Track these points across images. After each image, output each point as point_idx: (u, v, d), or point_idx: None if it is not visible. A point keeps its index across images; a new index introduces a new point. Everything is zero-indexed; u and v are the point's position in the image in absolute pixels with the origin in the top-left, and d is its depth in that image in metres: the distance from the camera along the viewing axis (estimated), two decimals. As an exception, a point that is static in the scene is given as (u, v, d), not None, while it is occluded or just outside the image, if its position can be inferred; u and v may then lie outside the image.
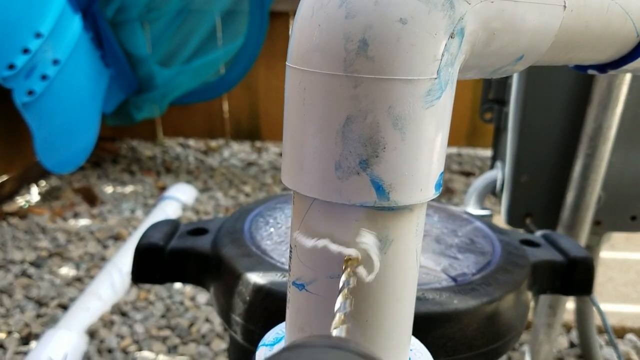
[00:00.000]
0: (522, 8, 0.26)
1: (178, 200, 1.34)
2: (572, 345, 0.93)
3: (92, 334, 0.92)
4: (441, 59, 0.23)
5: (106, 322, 0.94)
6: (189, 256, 0.49)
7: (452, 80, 0.24)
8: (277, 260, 0.44)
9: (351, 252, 0.25)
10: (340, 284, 0.25)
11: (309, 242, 0.27)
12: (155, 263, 0.49)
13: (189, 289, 1.07)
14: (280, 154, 1.76)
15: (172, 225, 0.52)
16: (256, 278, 0.42)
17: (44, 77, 1.17)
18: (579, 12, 0.29)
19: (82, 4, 1.30)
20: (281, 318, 0.40)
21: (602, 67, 0.36)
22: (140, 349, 0.90)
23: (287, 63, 0.26)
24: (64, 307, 0.99)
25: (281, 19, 1.55)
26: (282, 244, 0.47)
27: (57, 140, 1.24)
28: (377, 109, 0.23)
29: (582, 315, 0.87)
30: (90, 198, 1.37)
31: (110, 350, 0.89)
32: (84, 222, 1.29)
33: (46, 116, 1.19)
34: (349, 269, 0.25)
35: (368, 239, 0.26)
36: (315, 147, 0.24)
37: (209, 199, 1.43)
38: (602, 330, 0.94)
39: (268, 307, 0.42)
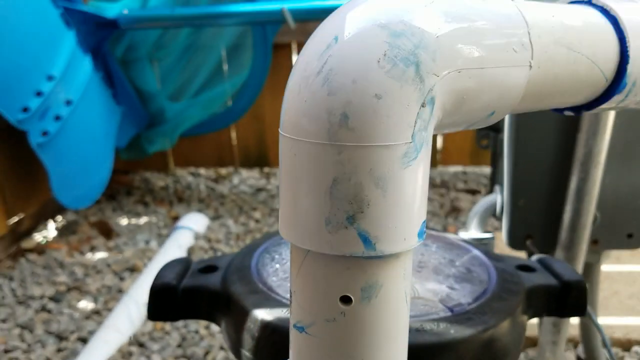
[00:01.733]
0: (489, 73, 0.29)
1: (191, 230, 1.38)
2: (579, 359, 0.94)
3: (110, 367, 0.95)
4: (415, 126, 0.26)
5: (124, 354, 0.97)
6: (201, 294, 0.52)
7: (427, 141, 0.27)
8: (282, 296, 0.47)
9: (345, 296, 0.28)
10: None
11: (306, 289, 0.30)
12: (169, 302, 0.52)
13: (203, 318, 1.09)
14: (289, 180, 1.80)
15: (184, 264, 0.55)
16: (263, 315, 0.45)
17: (57, 118, 1.21)
18: (546, 68, 0.32)
19: (92, 44, 1.35)
20: (287, 353, 0.43)
21: (577, 109, 0.38)
22: (158, 380, 0.93)
23: (279, 131, 0.29)
24: (84, 341, 1.02)
25: (284, 50, 1.60)
26: (287, 280, 0.50)
27: (72, 178, 1.29)
28: (359, 171, 0.26)
29: (586, 330, 0.88)
30: (106, 231, 1.41)
31: (129, 382, 0.92)
32: (100, 255, 1.33)
33: (61, 155, 1.24)
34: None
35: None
36: (307, 205, 0.27)
37: (220, 227, 1.46)
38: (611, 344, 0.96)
39: (275, 343, 0.44)
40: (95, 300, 1.14)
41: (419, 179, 0.27)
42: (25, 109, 1.14)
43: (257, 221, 1.51)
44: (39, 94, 1.16)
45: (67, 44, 1.23)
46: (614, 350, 0.96)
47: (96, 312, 1.10)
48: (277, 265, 0.52)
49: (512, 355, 0.46)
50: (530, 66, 0.30)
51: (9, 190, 1.33)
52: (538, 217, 0.75)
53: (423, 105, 0.26)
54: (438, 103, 0.27)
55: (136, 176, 1.82)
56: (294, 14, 1.28)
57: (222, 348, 1.01)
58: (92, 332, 1.03)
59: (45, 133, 1.19)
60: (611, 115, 0.64)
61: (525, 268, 0.55)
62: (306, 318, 0.30)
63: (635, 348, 0.95)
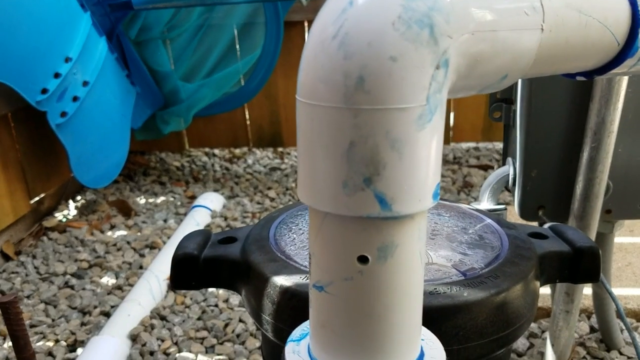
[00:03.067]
0: (501, 36, 0.30)
1: (207, 209, 1.40)
2: (592, 330, 0.95)
3: (134, 338, 0.97)
4: (429, 88, 0.27)
5: (147, 327, 1.00)
6: (221, 263, 0.53)
7: (442, 103, 0.28)
8: (300, 264, 0.48)
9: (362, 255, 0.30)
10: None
11: (325, 250, 0.31)
12: (191, 271, 0.53)
13: (222, 292, 1.12)
14: (303, 158, 1.81)
15: (204, 235, 0.57)
16: (282, 281, 0.46)
17: (75, 99, 1.23)
18: (558, 31, 0.33)
19: (106, 26, 1.37)
20: (306, 316, 0.45)
21: (589, 74, 0.39)
22: (180, 351, 0.95)
23: (296, 97, 0.30)
24: (107, 315, 1.05)
25: (296, 28, 1.60)
26: (304, 249, 0.51)
27: (90, 158, 1.31)
28: (375, 134, 0.27)
29: (600, 300, 0.89)
30: (125, 210, 1.44)
31: (152, 353, 0.95)
32: (120, 233, 1.35)
33: (79, 135, 1.26)
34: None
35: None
36: (324, 169, 0.28)
37: (236, 205, 1.48)
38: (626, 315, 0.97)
39: (294, 307, 0.46)
40: (117, 276, 1.17)
41: (433, 141, 0.28)
42: (44, 90, 1.16)
43: (272, 199, 1.53)
44: (57, 75, 1.18)
45: (82, 25, 1.24)
46: (628, 320, 0.97)
47: (118, 288, 1.13)
48: (294, 236, 0.54)
49: (525, 319, 0.48)
50: (542, 29, 0.31)
51: (29, 171, 1.36)
52: (550, 188, 0.76)
53: (437, 68, 0.27)
54: (452, 65, 0.28)
55: (152, 156, 1.85)
56: (306, -9, 1.28)
57: (241, 320, 1.03)
58: (114, 307, 1.06)
59: (63, 114, 1.21)
60: (624, 83, 0.64)
61: (537, 235, 0.56)
62: (325, 277, 0.31)
63: (650, 318, 0.96)
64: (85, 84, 1.25)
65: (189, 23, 1.49)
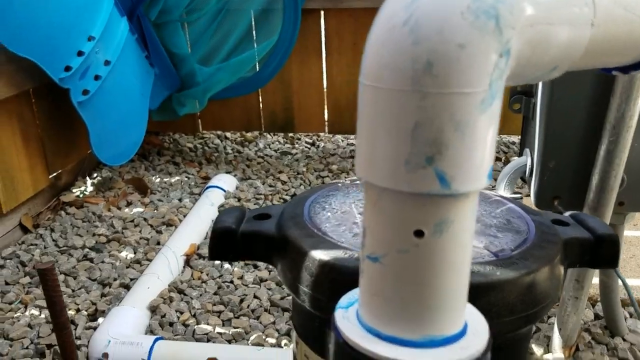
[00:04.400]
0: (557, 29, 0.32)
1: (221, 189, 1.42)
2: (597, 317, 0.98)
3: (153, 310, 1.00)
4: (492, 74, 0.29)
5: (165, 299, 1.03)
6: (258, 238, 0.56)
7: (501, 89, 0.30)
8: (336, 240, 0.51)
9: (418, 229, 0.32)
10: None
11: (381, 223, 0.33)
12: (230, 244, 0.56)
13: (237, 269, 1.14)
14: (312, 144, 1.83)
15: (240, 211, 0.59)
16: (321, 255, 0.49)
17: (96, 77, 1.25)
18: (606, 27, 0.35)
19: (128, 7, 1.38)
20: (344, 288, 0.47)
21: (626, 69, 0.41)
22: (198, 323, 0.98)
23: (360, 80, 0.32)
24: (126, 287, 1.08)
25: (313, 15, 1.61)
26: (339, 226, 0.54)
27: (110, 135, 1.33)
28: (441, 116, 0.29)
29: (606, 288, 0.92)
30: (141, 188, 1.46)
31: (171, 324, 0.98)
32: (137, 210, 1.38)
33: (100, 113, 1.28)
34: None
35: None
36: (387, 147, 0.30)
37: (248, 187, 1.50)
38: (625, 304, 0.99)
39: (333, 280, 0.48)
40: (135, 251, 1.20)
41: (492, 124, 0.30)
42: (67, 68, 1.18)
43: (284, 182, 1.56)
44: (80, 53, 1.20)
45: (105, 5, 1.26)
46: (631, 309, 1.00)
47: (136, 262, 1.16)
48: (328, 214, 0.56)
49: (550, 299, 0.50)
50: (593, 24, 0.33)
51: (49, 146, 1.38)
52: (567, 179, 0.78)
53: (500, 56, 0.29)
54: (512, 55, 0.30)
55: (166, 137, 1.87)
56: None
57: (255, 297, 1.06)
58: (134, 280, 1.09)
59: (85, 92, 1.23)
60: (646, 80, 0.66)
61: (559, 222, 0.58)
62: (380, 249, 0.34)
63: (655, 309, 0.99)
64: (106, 63, 1.27)
65: (208, 7, 1.50)
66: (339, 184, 0.65)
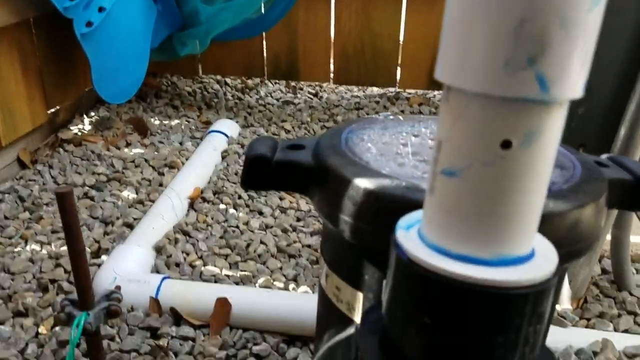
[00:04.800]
0: None
1: (224, 134, 1.39)
2: (604, 272, 0.99)
3: (159, 250, 0.99)
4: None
5: (171, 240, 1.01)
6: (293, 167, 0.54)
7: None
8: (379, 169, 0.49)
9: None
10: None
11: (466, 134, 0.31)
12: (264, 172, 0.54)
13: (242, 214, 1.13)
14: (314, 94, 1.80)
15: (273, 141, 0.57)
16: (366, 183, 0.47)
17: (100, 9, 1.20)
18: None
19: (133, -63, 1.32)
20: (390, 216, 0.46)
21: None
22: (205, 264, 0.97)
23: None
24: (129, 226, 1.06)
25: (324, -43, 1.56)
26: (381, 156, 0.52)
27: (112, 71, 1.29)
28: (548, 10, 0.27)
29: (618, 243, 0.92)
30: (141, 128, 1.42)
31: (177, 264, 0.96)
32: (137, 151, 1.35)
33: (102, 47, 1.23)
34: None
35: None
36: (486, 47, 0.28)
37: (252, 134, 1.48)
38: (634, 260, 1.00)
39: (378, 209, 0.47)
40: (137, 192, 1.17)
41: (595, 29, 0.28)
42: (71, -4, 1.13)
43: (287, 131, 1.53)
44: (84, -18, 1.14)
45: None
46: (638, 265, 1.01)
47: (139, 202, 1.13)
48: (368, 144, 0.55)
49: (594, 236, 0.49)
50: None
51: (48, 80, 1.33)
52: (595, 127, 0.78)
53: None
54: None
55: (164, 79, 1.82)
56: None
57: (262, 242, 1.05)
58: (137, 219, 1.07)
59: (89, 24, 1.18)
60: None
61: (599, 164, 0.57)
62: (460, 162, 0.32)
63: (660, 266, 1.00)
64: (110, -6, 1.21)
65: (215, -58, 1.44)
66: (373, 118, 0.63)
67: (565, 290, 0.89)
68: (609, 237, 0.98)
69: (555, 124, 0.31)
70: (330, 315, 0.58)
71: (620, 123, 0.75)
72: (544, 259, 0.35)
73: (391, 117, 0.62)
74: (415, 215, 0.40)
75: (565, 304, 0.90)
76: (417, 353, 0.36)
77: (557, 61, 0.28)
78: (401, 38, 1.66)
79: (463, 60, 0.30)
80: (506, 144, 0.31)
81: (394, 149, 0.53)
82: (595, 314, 0.88)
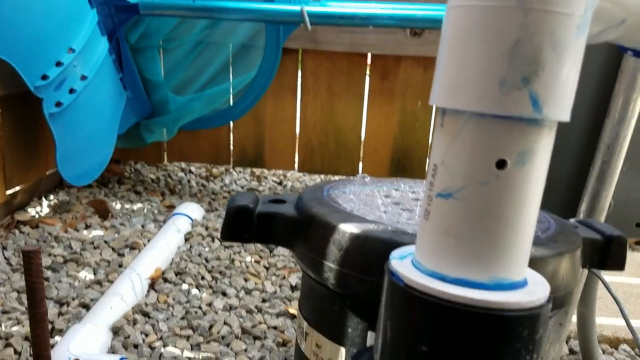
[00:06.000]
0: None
1: (188, 217, 1.38)
2: (571, 352, 0.99)
3: (116, 331, 0.93)
4: (587, 1, 0.30)
5: (129, 320, 0.96)
6: (276, 219, 0.54)
7: (589, 22, 0.31)
8: (364, 216, 0.50)
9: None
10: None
11: (462, 154, 0.33)
12: (246, 224, 0.54)
13: (205, 295, 1.09)
14: (279, 183, 1.83)
15: (254, 195, 0.57)
16: (351, 228, 0.48)
17: (71, 91, 1.21)
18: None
19: (109, 27, 1.37)
20: (376, 260, 0.46)
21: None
22: (165, 345, 0.92)
23: (449, 3, 0.32)
24: (86, 307, 1.00)
25: (291, 56, 1.65)
26: (365, 206, 0.53)
27: (77, 153, 1.28)
28: (541, 34, 0.29)
29: (585, 320, 0.93)
30: (103, 211, 1.39)
31: (136, 346, 0.91)
32: (97, 233, 1.31)
33: (70, 128, 1.23)
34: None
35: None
36: (482, 68, 0.31)
37: (216, 218, 1.46)
38: (599, 341, 1.01)
39: (364, 252, 0.47)
40: (95, 272, 1.13)
41: (580, 54, 0.31)
42: (44, 77, 1.14)
43: (250, 218, 1.53)
44: (58, 64, 1.16)
45: (89, 21, 1.24)
46: (604, 346, 1.01)
47: (97, 283, 1.08)
48: (351, 196, 0.56)
49: (571, 288, 0.51)
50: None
51: (9, 160, 1.30)
52: (559, 200, 0.81)
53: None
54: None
55: (127, 167, 1.81)
56: (311, 17, 1.34)
57: (226, 323, 1.01)
58: (94, 300, 1.02)
59: (58, 104, 1.18)
60: (637, 106, 0.71)
61: (569, 226, 0.60)
62: (457, 183, 0.33)
63: (623, 346, 1.01)
64: (83, 78, 1.24)
65: (189, 37, 1.51)
66: (351, 178, 0.64)
67: (537, 369, 0.88)
68: (574, 318, 0.99)
69: (546, 145, 0.33)
70: (310, 377, 0.56)
71: (582, 196, 0.78)
72: (537, 286, 0.36)
73: (367, 178, 0.64)
74: (407, 248, 0.40)
75: (537, 384, 0.89)
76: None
77: (549, 82, 0.30)
78: (363, 133, 1.73)
79: (459, 81, 0.32)
80: (501, 164, 0.32)
81: (376, 200, 0.54)
82: (568, 395, 0.87)
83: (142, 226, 1.38)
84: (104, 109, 1.34)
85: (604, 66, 0.73)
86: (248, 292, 1.12)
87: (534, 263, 0.46)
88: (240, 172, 1.89)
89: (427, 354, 0.34)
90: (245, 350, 0.94)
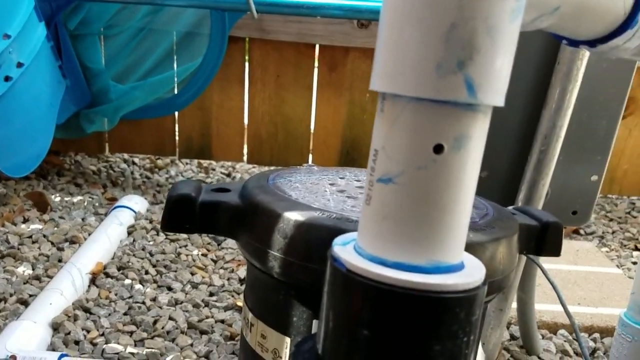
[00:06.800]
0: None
1: (131, 210, 1.34)
2: (512, 337, 1.02)
3: (56, 327, 0.90)
4: (520, -12, 0.31)
5: (70, 316, 0.93)
6: (220, 208, 0.53)
7: (522, 10, 0.32)
8: (309, 204, 0.50)
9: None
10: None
11: (400, 140, 0.33)
12: (187, 214, 0.52)
13: (150, 290, 1.07)
14: (227, 175, 1.80)
15: (197, 183, 0.56)
16: (296, 216, 0.47)
17: (7, 79, 1.16)
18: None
19: (47, 13, 1.31)
20: (321, 247, 0.46)
21: (593, 43, 0.45)
22: (107, 342, 0.90)
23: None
24: (24, 303, 0.96)
25: (237, 44, 1.62)
26: (311, 193, 0.52)
27: (14, 143, 1.22)
28: (476, 17, 0.30)
29: (523, 306, 0.96)
30: (41, 204, 1.34)
31: (77, 342, 0.88)
32: (35, 226, 1.26)
33: (6, 117, 1.18)
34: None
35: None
36: (419, 52, 0.31)
37: (161, 210, 1.43)
38: (538, 327, 1.05)
39: (309, 240, 0.47)
40: (34, 267, 1.08)
41: (515, 40, 0.32)
42: (-24, 63, 1.09)
43: (197, 210, 1.50)
44: (-8, 49, 1.11)
45: (25, 6, 1.19)
46: (543, 331, 1.05)
47: (36, 278, 1.04)
48: (297, 185, 0.55)
49: (508, 272, 0.52)
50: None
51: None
52: (498, 190, 0.83)
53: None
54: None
55: (67, 158, 1.75)
56: (257, 4, 1.32)
57: (171, 318, 0.99)
58: (33, 296, 0.98)
59: (-8, 91, 1.13)
60: (574, 94, 0.73)
61: (507, 212, 0.61)
62: (396, 168, 0.33)
63: (561, 331, 1.05)
64: (19, 65, 1.18)
65: (130, 23, 1.47)
66: (297, 167, 0.64)
67: (480, 353, 0.91)
68: (514, 305, 1.03)
69: (481, 130, 0.33)
70: (254, 368, 0.55)
71: (520, 185, 0.81)
72: (474, 269, 0.37)
73: (315, 167, 0.64)
74: (350, 234, 0.40)
75: (479, 368, 0.91)
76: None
77: (483, 67, 0.31)
78: (312, 124, 1.73)
79: (397, 65, 0.32)
80: (438, 149, 0.32)
81: (321, 188, 0.54)
82: (508, 377, 0.90)
83: (83, 219, 1.34)
84: (41, 97, 1.29)
85: (542, 58, 0.75)
86: (195, 286, 1.10)
87: (472, 248, 0.47)
88: (186, 163, 1.85)
89: (368, 338, 0.34)
90: (192, 345, 0.93)
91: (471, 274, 0.35)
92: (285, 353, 0.52)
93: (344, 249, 0.37)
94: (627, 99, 0.79)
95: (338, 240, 0.39)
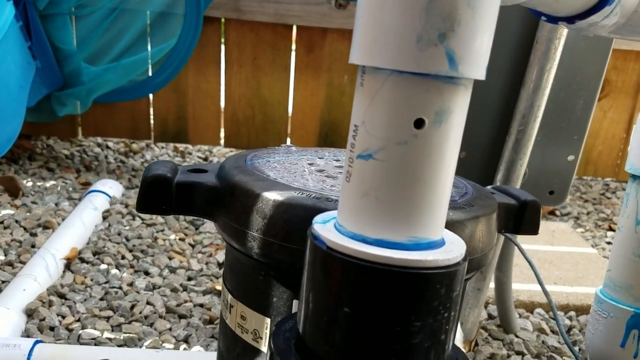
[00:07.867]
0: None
1: (106, 194, 1.32)
2: (490, 317, 1.03)
3: (30, 313, 0.89)
4: (500, -41, 0.30)
5: (44, 302, 0.91)
6: (197, 189, 0.52)
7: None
8: (288, 184, 0.49)
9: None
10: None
11: (380, 114, 0.32)
12: (163, 195, 0.51)
13: (126, 275, 1.05)
14: (204, 159, 1.78)
15: (173, 164, 0.55)
16: (275, 196, 0.47)
17: (-28, 58, 1.12)
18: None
19: (13, -10, 1.27)
20: (300, 227, 0.46)
21: (571, 19, 0.45)
22: (84, 327, 0.88)
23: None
24: (-4, 290, 0.94)
25: (213, 25, 1.60)
26: (289, 173, 0.52)
27: (-18, 125, 1.19)
28: (457, -12, 0.29)
29: (501, 286, 0.97)
30: (13, 189, 1.31)
31: (52, 328, 0.87)
32: (6, 212, 1.23)
33: (-28, 98, 1.14)
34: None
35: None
36: (399, 24, 0.30)
37: (136, 194, 1.41)
38: (515, 306, 1.06)
39: (288, 220, 0.46)
40: (6, 253, 1.06)
41: (496, 13, 0.31)
42: (-61, 42, 1.05)
43: (174, 194, 1.48)
44: (-45, 28, 1.07)
45: (-11, -18, 1.15)
46: (520, 310, 1.07)
47: (8, 264, 1.02)
48: (275, 164, 0.54)
49: (487, 250, 0.52)
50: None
51: None
52: (476, 169, 0.84)
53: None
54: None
55: (39, 142, 1.71)
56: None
57: (148, 303, 0.98)
58: (5, 282, 0.96)
59: (-43, 72, 1.09)
60: (552, 73, 0.73)
61: (485, 191, 0.61)
62: (376, 144, 0.33)
63: (538, 309, 1.07)
64: (-15, 44, 1.14)
65: (102, 3, 1.43)
66: (275, 148, 0.63)
67: (458, 333, 0.92)
68: (492, 285, 1.04)
69: (462, 104, 0.33)
70: (234, 350, 0.55)
71: (498, 165, 0.81)
72: (454, 245, 0.36)
73: (293, 147, 0.63)
74: (330, 213, 0.39)
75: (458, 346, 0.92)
76: (336, 351, 0.34)
77: (464, 39, 0.30)
78: (290, 107, 1.72)
79: (377, 38, 0.31)
80: (419, 123, 0.32)
81: (300, 168, 0.53)
82: (487, 356, 0.91)
83: (56, 204, 1.31)
84: (10, 79, 1.25)
85: (520, 37, 0.75)
86: (172, 270, 1.09)
87: (452, 226, 0.47)
88: (162, 147, 1.83)
89: (349, 316, 0.34)
90: (170, 329, 0.92)
91: (451, 250, 0.35)
92: (266, 334, 0.51)
93: (324, 227, 0.37)
94: (602, 81, 0.80)
95: (318, 218, 0.39)
